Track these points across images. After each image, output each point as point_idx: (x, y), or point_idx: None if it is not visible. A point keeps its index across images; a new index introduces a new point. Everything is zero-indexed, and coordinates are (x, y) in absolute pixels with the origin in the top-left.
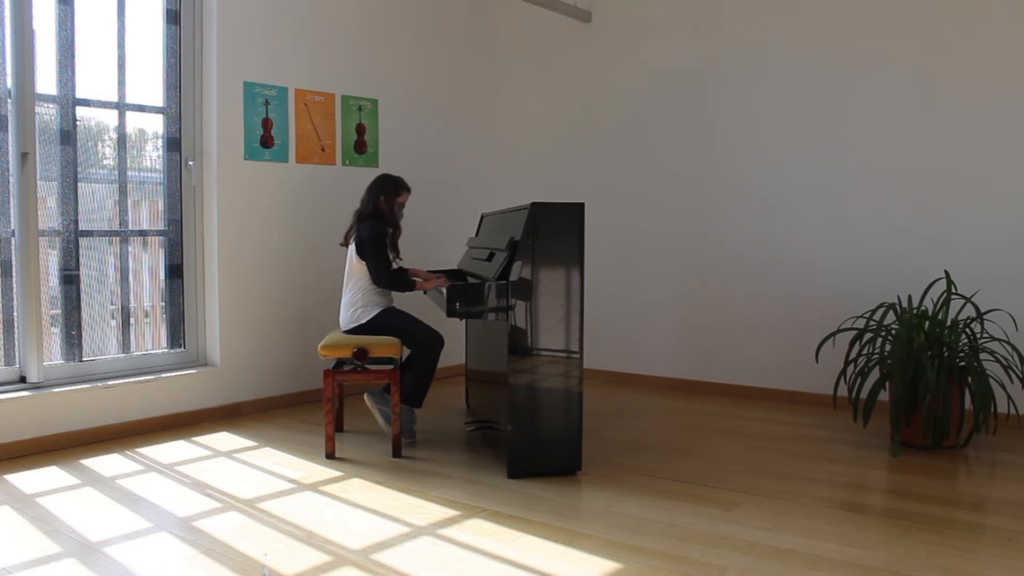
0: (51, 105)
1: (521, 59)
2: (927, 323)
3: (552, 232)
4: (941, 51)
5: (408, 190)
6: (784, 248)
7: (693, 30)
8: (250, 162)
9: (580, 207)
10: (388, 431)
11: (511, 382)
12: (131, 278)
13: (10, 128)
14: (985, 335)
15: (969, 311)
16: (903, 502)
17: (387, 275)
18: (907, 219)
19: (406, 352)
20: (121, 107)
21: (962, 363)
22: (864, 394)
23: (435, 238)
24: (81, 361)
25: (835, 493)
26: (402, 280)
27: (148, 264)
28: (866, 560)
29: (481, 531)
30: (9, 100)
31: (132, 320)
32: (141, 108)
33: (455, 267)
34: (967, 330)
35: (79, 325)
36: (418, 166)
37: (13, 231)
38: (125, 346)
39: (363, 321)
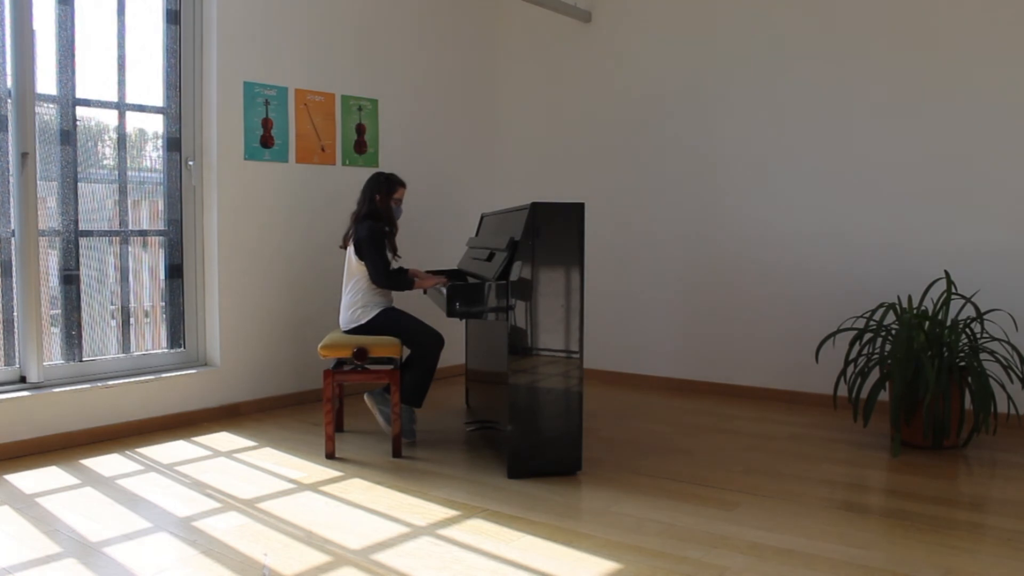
0: (51, 105)
1: (521, 59)
2: (927, 323)
3: (552, 232)
4: (942, 51)
5: (403, 185)
6: (784, 248)
7: (693, 30)
8: (250, 162)
9: (580, 207)
10: (388, 431)
11: (511, 382)
12: (131, 278)
13: (10, 128)
14: (985, 335)
15: (969, 311)
16: (903, 502)
17: (385, 275)
18: (907, 219)
19: (406, 352)
20: (121, 107)
21: (962, 363)
22: (864, 394)
23: (435, 238)
24: (81, 361)
25: (835, 493)
26: (401, 279)
27: (148, 264)
28: (866, 560)
29: (481, 531)
30: (9, 100)
31: (132, 320)
32: (141, 108)
33: (455, 267)
34: (967, 330)
35: (79, 325)
36: (418, 166)
37: (13, 231)
38: (125, 346)
39: (363, 321)
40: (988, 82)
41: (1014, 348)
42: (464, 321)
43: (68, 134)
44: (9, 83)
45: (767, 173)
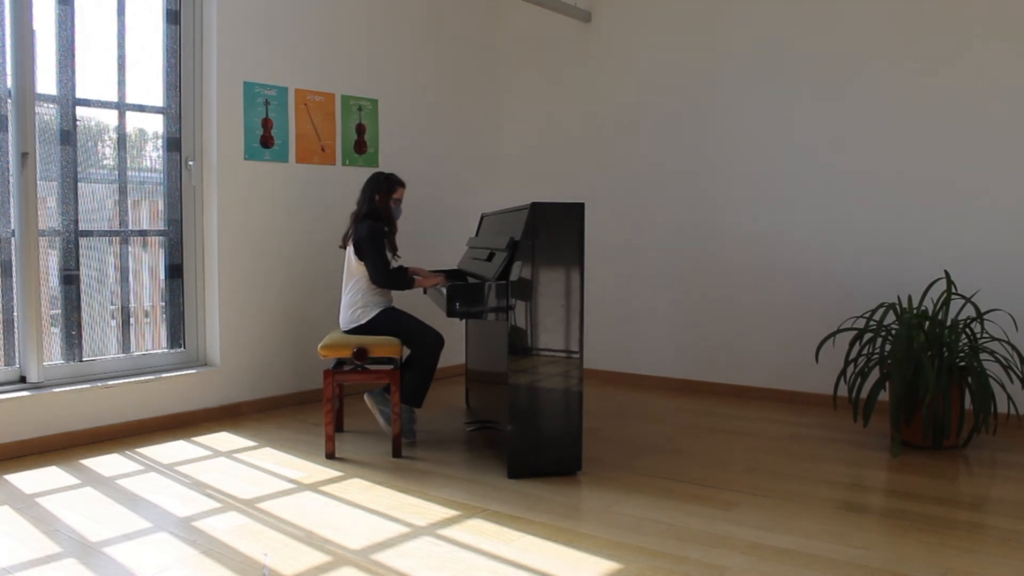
0: (51, 105)
1: (521, 59)
2: (927, 323)
3: (552, 232)
4: (942, 51)
5: (402, 185)
6: (784, 248)
7: (693, 30)
8: (250, 162)
9: (580, 207)
10: (388, 431)
11: (511, 382)
12: (131, 278)
13: (10, 128)
14: (985, 335)
15: (969, 311)
16: (903, 502)
17: (385, 274)
18: (907, 219)
19: (406, 352)
20: (121, 107)
21: (962, 363)
22: (864, 394)
23: (435, 238)
24: (81, 361)
25: (835, 493)
26: (401, 279)
27: (148, 264)
28: (866, 560)
29: (481, 531)
30: (9, 100)
31: (132, 320)
32: (141, 108)
33: (455, 267)
34: (967, 330)
35: (79, 325)
36: (418, 166)
37: (13, 231)
38: (125, 346)
39: (363, 321)
40: (988, 82)
41: (1014, 348)
42: (464, 321)
43: (68, 134)
44: (9, 83)
45: (767, 172)
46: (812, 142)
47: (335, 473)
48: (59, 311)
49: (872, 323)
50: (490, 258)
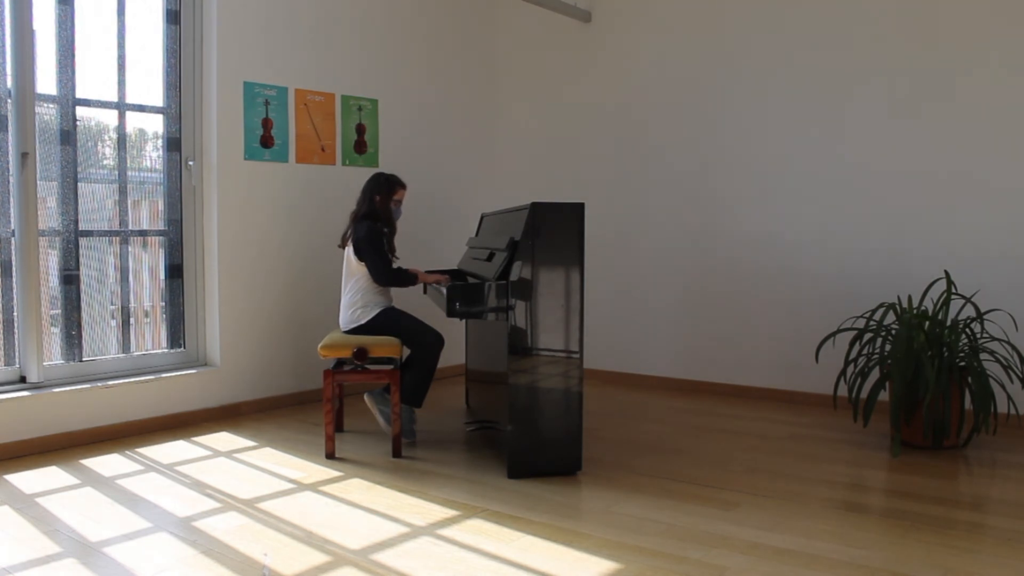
0: (51, 105)
1: (521, 59)
2: (927, 323)
3: (552, 232)
4: (941, 51)
5: (403, 186)
6: (784, 248)
7: (693, 30)
8: (250, 162)
9: (580, 207)
10: (388, 431)
11: (511, 382)
12: (131, 278)
13: (10, 128)
14: (985, 335)
15: (969, 311)
16: (903, 502)
17: (386, 273)
18: (907, 219)
19: (406, 352)
20: (121, 107)
21: (962, 363)
22: (864, 394)
23: (435, 238)
24: (81, 361)
25: (835, 493)
26: (403, 276)
27: (148, 264)
28: (866, 560)
29: (481, 531)
30: (9, 100)
31: (132, 320)
32: (141, 108)
33: (455, 267)
34: (967, 330)
35: (79, 325)
36: (418, 166)
37: (13, 231)
38: (125, 346)
39: (363, 321)
40: (987, 82)
41: (1014, 348)
42: (464, 321)
43: (68, 134)
44: (9, 83)
45: (767, 173)
46: (812, 142)
47: (335, 473)
48: (59, 311)
49: (872, 323)
50: (490, 258)
